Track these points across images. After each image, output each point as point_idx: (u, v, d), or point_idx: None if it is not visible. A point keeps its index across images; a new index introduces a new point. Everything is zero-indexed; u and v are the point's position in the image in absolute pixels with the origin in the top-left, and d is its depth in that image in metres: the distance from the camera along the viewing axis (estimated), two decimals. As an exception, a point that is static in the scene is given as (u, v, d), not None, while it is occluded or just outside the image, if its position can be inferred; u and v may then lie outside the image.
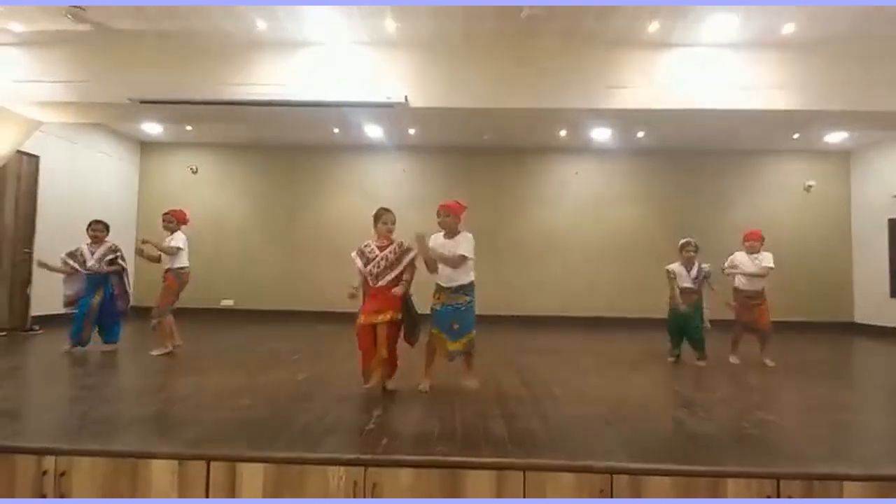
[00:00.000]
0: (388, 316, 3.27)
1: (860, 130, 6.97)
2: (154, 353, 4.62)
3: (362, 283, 3.46)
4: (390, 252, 3.40)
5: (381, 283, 3.36)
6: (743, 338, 4.91)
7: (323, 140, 8.28)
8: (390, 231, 3.46)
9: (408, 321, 3.41)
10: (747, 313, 4.79)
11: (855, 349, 6.52)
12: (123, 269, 4.94)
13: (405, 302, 3.41)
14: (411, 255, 3.41)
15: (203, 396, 3.22)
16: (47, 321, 6.39)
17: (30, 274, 6.39)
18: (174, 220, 4.83)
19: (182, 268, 4.79)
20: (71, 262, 4.74)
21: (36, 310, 6.41)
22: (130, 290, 5.09)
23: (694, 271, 4.77)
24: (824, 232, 8.41)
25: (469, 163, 8.58)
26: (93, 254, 4.79)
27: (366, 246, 3.48)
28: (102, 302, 4.75)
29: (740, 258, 4.88)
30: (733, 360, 4.81)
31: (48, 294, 6.60)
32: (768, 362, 4.68)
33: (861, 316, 8.12)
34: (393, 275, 3.37)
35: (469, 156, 8.56)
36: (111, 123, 7.69)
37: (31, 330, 6.10)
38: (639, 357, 5.23)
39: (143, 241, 4.85)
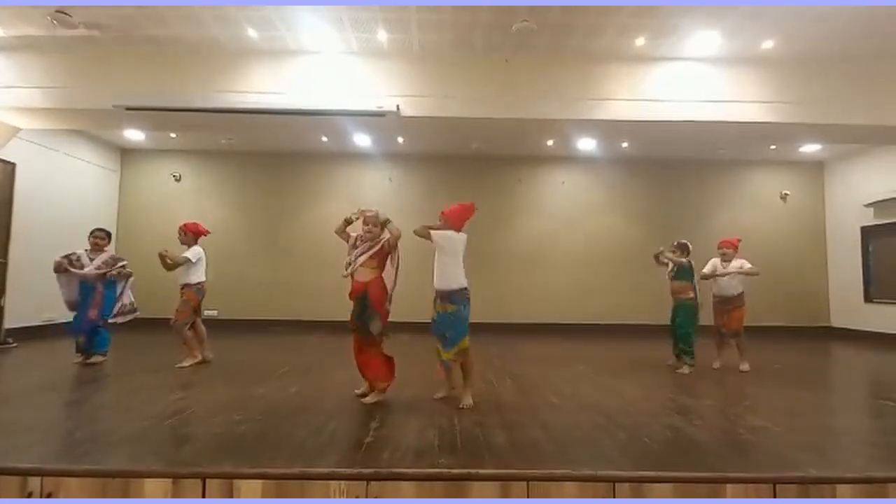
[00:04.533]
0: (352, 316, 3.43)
1: (834, 143, 7.26)
2: (182, 364, 4.61)
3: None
4: (362, 241, 3.45)
5: (352, 270, 3.46)
6: (726, 343, 5.05)
7: (310, 148, 8.24)
8: (370, 232, 3.44)
9: (362, 316, 3.38)
10: (719, 317, 4.97)
11: (833, 353, 6.73)
12: (129, 276, 4.92)
13: (364, 303, 3.37)
14: (378, 245, 3.41)
15: (193, 412, 3.14)
16: (22, 334, 6.15)
17: (3, 285, 6.15)
18: (188, 233, 4.80)
19: (200, 282, 4.77)
20: (65, 262, 4.69)
21: (10, 322, 6.16)
22: (131, 301, 4.96)
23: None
24: (800, 239, 8.70)
25: (456, 171, 8.63)
26: (91, 260, 4.76)
27: (358, 237, 3.54)
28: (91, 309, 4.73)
29: (715, 263, 5.05)
30: (716, 364, 4.97)
31: (23, 306, 6.38)
32: (743, 367, 4.83)
33: (837, 320, 8.40)
34: (359, 263, 3.43)
35: (456, 164, 8.61)
36: (93, 130, 7.52)
37: (6, 343, 5.85)
38: (628, 364, 5.29)
39: (165, 251, 4.70)
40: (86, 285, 4.74)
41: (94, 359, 4.74)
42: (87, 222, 8.03)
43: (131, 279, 4.94)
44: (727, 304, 4.95)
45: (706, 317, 5.03)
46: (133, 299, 4.96)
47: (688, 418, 3.12)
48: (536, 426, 2.88)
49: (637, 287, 8.19)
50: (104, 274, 4.76)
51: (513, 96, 5.30)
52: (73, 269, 4.67)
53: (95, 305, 4.74)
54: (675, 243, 5.03)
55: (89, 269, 4.71)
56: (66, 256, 4.71)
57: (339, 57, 5.29)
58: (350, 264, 3.45)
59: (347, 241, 3.53)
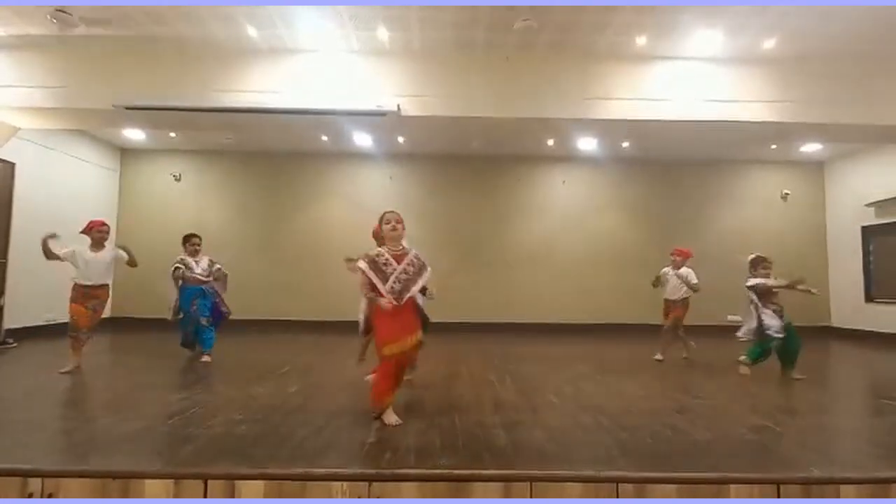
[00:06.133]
0: (418, 336, 2.92)
1: (835, 142, 7.25)
2: (67, 369, 4.30)
3: (372, 301, 2.90)
4: (409, 264, 2.91)
5: (405, 299, 2.86)
6: (673, 340, 5.44)
7: (310, 147, 8.22)
8: (394, 229, 2.93)
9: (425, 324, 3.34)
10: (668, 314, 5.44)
11: (833, 353, 6.72)
12: (226, 276, 5.30)
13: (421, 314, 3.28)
14: (428, 271, 3.00)
15: (194, 411, 3.12)
16: (22, 334, 6.14)
17: (3, 285, 6.14)
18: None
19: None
20: (183, 273, 5.00)
21: (10, 322, 6.14)
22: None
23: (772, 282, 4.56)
24: (800, 239, 8.69)
25: (456, 171, 8.62)
26: (197, 264, 5.07)
27: (378, 256, 2.88)
28: (203, 310, 4.99)
29: (666, 271, 5.51)
30: (658, 357, 5.34)
31: (23, 306, 6.37)
32: (658, 357, 5.30)
33: (837, 320, 8.39)
34: (415, 289, 2.91)
35: (457, 164, 8.60)
36: (93, 130, 7.50)
37: (6, 344, 5.84)
38: (629, 363, 5.29)
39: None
40: (194, 289, 4.98)
41: (204, 358, 4.92)
42: (87, 222, 7.96)
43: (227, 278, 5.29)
44: (676, 304, 5.44)
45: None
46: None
47: (690, 418, 3.11)
48: (538, 426, 2.87)
49: (637, 287, 8.14)
50: (209, 276, 5.11)
51: (514, 95, 5.29)
52: (196, 276, 4.99)
53: (221, 302, 5.15)
54: (754, 257, 4.71)
55: (199, 272, 5.02)
56: (179, 267, 4.98)
57: (340, 56, 5.28)
58: (401, 290, 2.83)
59: (364, 261, 2.87)
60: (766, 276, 4.66)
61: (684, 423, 2.98)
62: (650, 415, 3.18)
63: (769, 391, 4.05)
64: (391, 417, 2.85)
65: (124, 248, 4.66)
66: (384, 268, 2.85)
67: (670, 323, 5.39)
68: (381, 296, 2.80)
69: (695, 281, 5.28)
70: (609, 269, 8.49)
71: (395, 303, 2.80)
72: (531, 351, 6.13)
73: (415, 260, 2.96)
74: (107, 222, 4.75)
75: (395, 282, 2.83)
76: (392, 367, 2.84)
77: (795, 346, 4.50)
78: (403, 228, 2.97)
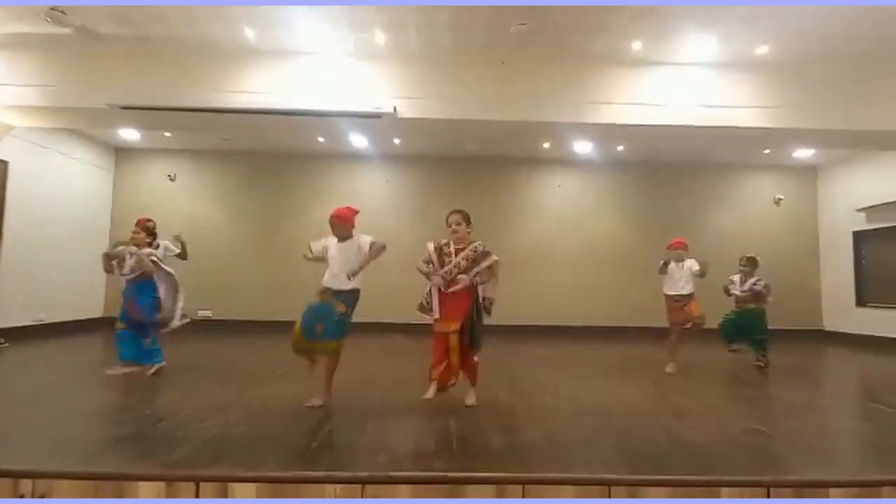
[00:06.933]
0: (457, 325, 3.20)
1: (827, 147, 7.32)
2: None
3: (428, 276, 3.30)
4: (464, 258, 3.27)
5: (453, 288, 3.23)
6: (679, 345, 5.04)
7: (306, 148, 8.21)
8: (455, 231, 3.31)
9: (477, 322, 3.28)
10: (679, 314, 5.02)
11: (825, 356, 6.79)
12: (152, 267, 4.20)
13: (474, 310, 3.27)
14: (489, 260, 3.28)
15: (187, 414, 3.10)
16: (13, 334, 6.08)
17: (-6, 284, 6.09)
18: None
19: None
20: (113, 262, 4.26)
21: (1, 322, 6.09)
22: (166, 297, 4.31)
23: (747, 284, 5.34)
24: (793, 243, 8.76)
25: (452, 173, 8.63)
26: (131, 256, 4.20)
27: (445, 244, 3.33)
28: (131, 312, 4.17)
29: (671, 265, 5.17)
30: (670, 369, 4.81)
31: (14, 305, 6.32)
32: (670, 369, 4.79)
33: (829, 324, 8.46)
34: (464, 282, 3.22)
35: (452, 166, 8.61)
36: (87, 129, 7.46)
37: (-4, 343, 5.79)
38: (623, 366, 5.31)
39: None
40: (125, 289, 4.24)
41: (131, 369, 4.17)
42: (81, 221, 7.93)
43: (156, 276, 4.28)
44: (682, 301, 5.06)
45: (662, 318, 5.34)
46: (171, 305, 4.34)
47: (684, 420, 3.13)
48: (533, 428, 2.88)
49: (634, 290, 8.21)
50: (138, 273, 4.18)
51: (510, 98, 5.30)
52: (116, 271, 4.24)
53: (132, 307, 4.18)
54: (746, 259, 5.38)
55: (125, 270, 4.21)
56: (117, 254, 4.29)
57: (337, 57, 5.28)
58: (451, 280, 3.23)
59: (432, 261, 3.29)
60: (743, 273, 5.35)
61: (680, 426, 3.00)
62: (645, 417, 3.20)
63: (764, 394, 4.08)
64: (428, 391, 3.26)
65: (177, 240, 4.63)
66: (445, 257, 3.31)
67: (690, 319, 4.94)
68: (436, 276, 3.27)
69: (697, 268, 5.02)
70: (606, 271, 8.52)
71: (442, 287, 3.24)
72: (528, 352, 6.15)
73: (471, 254, 3.30)
74: (152, 218, 4.37)
75: (447, 272, 3.27)
76: (438, 343, 3.29)
77: (754, 335, 5.21)
78: (465, 228, 3.35)
